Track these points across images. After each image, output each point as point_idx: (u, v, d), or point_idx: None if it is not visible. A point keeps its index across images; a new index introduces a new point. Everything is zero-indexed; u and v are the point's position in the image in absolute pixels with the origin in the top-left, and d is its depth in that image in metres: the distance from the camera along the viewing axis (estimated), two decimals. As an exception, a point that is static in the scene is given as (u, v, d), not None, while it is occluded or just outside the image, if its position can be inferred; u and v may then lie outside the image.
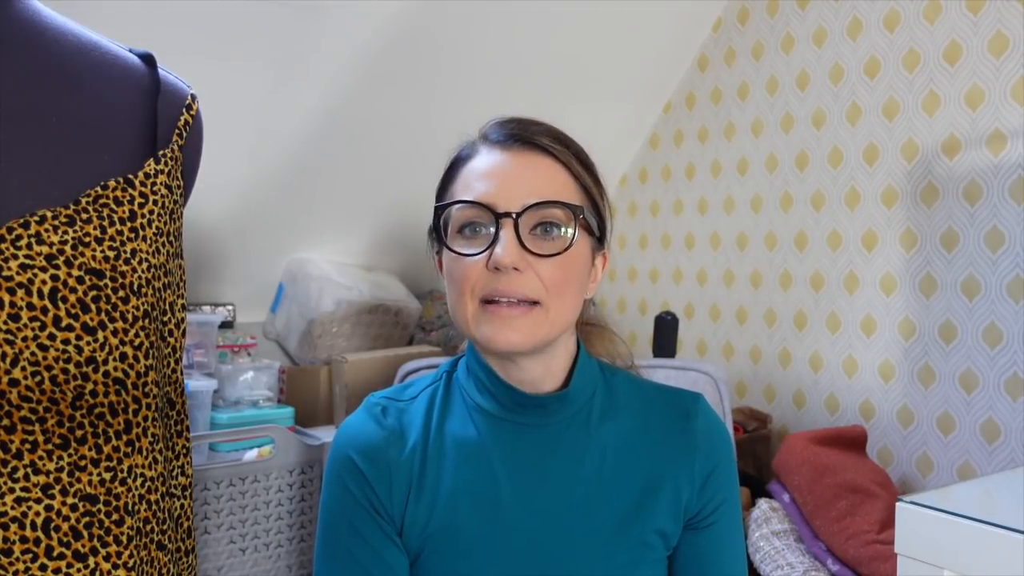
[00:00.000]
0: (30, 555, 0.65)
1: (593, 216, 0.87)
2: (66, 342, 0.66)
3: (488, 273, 0.81)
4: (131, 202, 0.72)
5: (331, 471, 0.89)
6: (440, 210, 0.86)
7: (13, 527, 0.65)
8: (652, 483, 0.88)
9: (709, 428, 0.92)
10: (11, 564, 0.64)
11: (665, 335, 1.90)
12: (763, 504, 1.65)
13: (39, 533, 0.66)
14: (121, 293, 0.69)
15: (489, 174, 0.84)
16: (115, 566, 0.69)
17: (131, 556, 0.71)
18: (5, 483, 0.64)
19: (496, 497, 0.85)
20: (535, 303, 0.81)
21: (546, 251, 0.82)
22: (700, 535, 0.91)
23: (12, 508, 0.65)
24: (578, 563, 0.85)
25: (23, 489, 0.65)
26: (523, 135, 0.86)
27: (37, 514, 0.66)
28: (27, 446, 0.65)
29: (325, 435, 1.84)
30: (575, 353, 0.90)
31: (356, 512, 0.86)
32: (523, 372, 0.86)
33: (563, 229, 0.83)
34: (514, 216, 0.81)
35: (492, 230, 0.82)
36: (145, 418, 0.72)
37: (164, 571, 0.76)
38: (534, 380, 0.87)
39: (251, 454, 1.61)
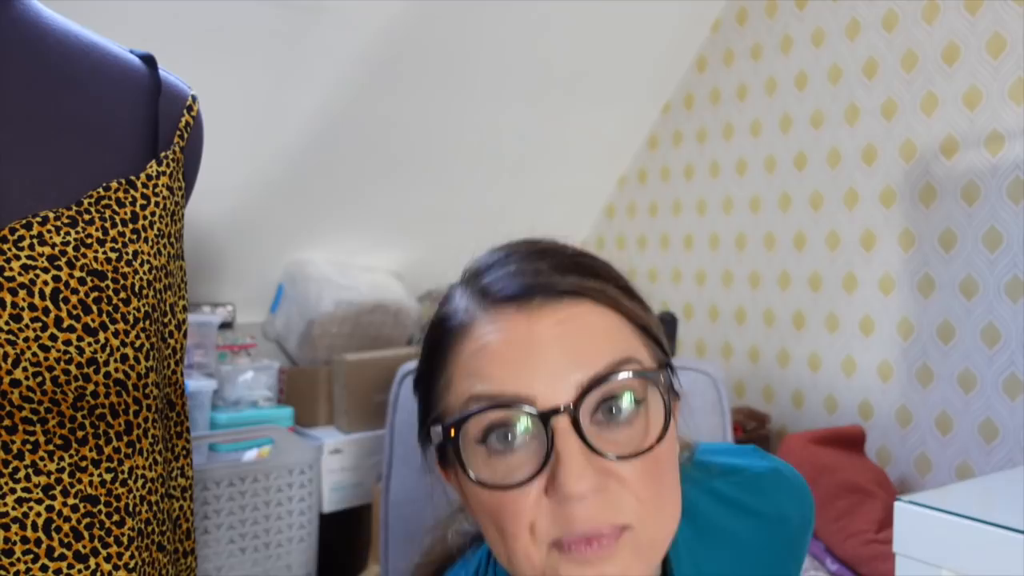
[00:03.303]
0: (31, 556, 0.65)
1: (662, 361, 0.62)
2: (67, 343, 0.66)
3: (548, 503, 0.54)
4: (133, 203, 0.72)
5: None
6: (449, 425, 0.57)
7: (14, 527, 0.65)
8: None
9: (803, 519, 0.72)
10: (12, 565, 0.64)
11: (664, 335, 1.91)
12: (762, 504, 1.65)
13: (40, 534, 0.66)
14: (122, 294, 0.70)
15: (507, 353, 0.56)
16: (116, 567, 0.69)
17: (132, 557, 0.71)
18: (6, 483, 0.64)
19: None
20: (628, 526, 0.55)
21: (628, 448, 0.55)
22: None
23: (13, 508, 0.65)
24: None
25: (24, 490, 0.65)
26: (539, 282, 0.58)
27: (38, 515, 0.66)
28: (28, 447, 0.65)
29: (325, 435, 1.84)
30: None
31: None
32: None
33: (638, 402, 0.57)
34: (569, 410, 0.54)
35: (537, 437, 0.55)
36: (146, 419, 0.72)
37: (164, 572, 0.76)
38: None
39: (251, 454, 1.61)
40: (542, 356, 0.55)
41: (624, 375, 0.55)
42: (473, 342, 0.58)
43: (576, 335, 0.56)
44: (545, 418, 0.54)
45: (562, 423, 0.54)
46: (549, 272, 0.59)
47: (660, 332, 0.64)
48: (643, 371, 0.57)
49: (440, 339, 0.61)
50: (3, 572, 0.64)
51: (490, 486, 0.55)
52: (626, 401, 0.56)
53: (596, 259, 0.64)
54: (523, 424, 0.55)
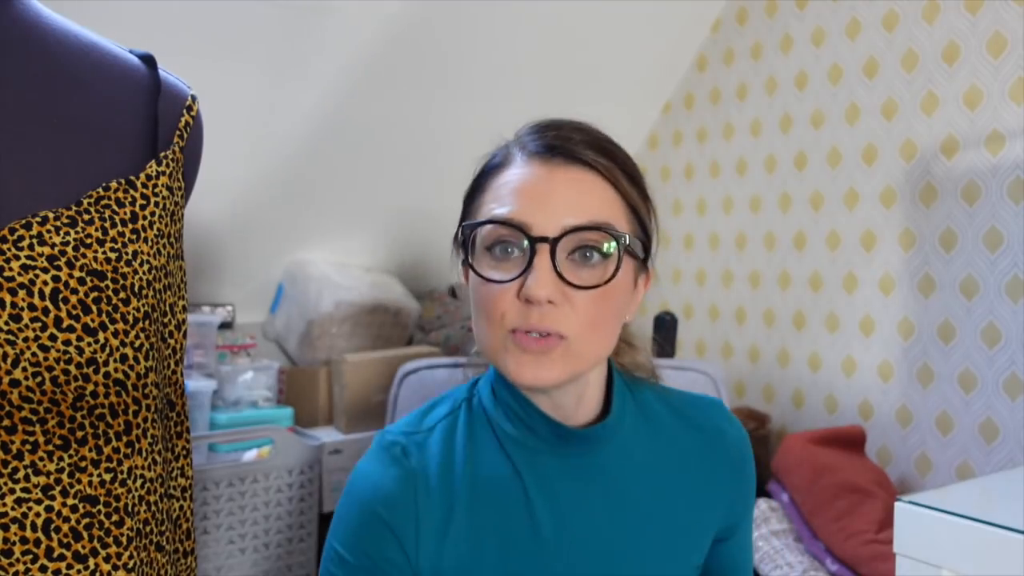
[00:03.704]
0: (30, 556, 0.65)
1: (639, 238, 0.79)
2: (67, 343, 0.66)
3: (519, 303, 0.73)
4: (132, 203, 0.72)
5: (344, 521, 0.80)
6: (469, 227, 0.77)
7: (13, 528, 0.65)
8: (695, 504, 0.84)
9: (739, 439, 0.89)
10: (11, 565, 0.64)
11: (664, 335, 1.91)
12: (762, 504, 1.65)
13: (39, 534, 0.66)
14: (122, 295, 0.70)
15: (524, 190, 0.75)
16: (115, 567, 0.69)
17: (131, 557, 0.71)
18: (6, 484, 0.64)
19: (536, 532, 0.78)
20: (562, 336, 0.74)
21: (585, 282, 0.73)
22: (725, 544, 0.89)
23: (12, 509, 0.65)
24: None
25: (23, 490, 0.65)
26: (564, 147, 0.76)
27: (37, 515, 0.66)
28: (27, 447, 0.65)
29: (324, 436, 1.84)
30: (608, 376, 0.84)
31: (381, 568, 0.77)
32: (554, 402, 0.79)
33: (604, 254, 0.75)
34: (551, 241, 0.72)
35: (525, 254, 0.73)
36: (145, 419, 0.72)
37: (162, 572, 0.76)
38: (566, 409, 0.80)
39: (250, 454, 1.61)
40: (546, 199, 0.74)
41: (598, 234, 0.74)
42: (504, 176, 0.77)
43: (576, 193, 0.75)
44: (532, 241, 0.73)
45: (543, 248, 0.72)
46: (575, 143, 0.77)
47: (648, 216, 0.82)
48: (611, 231, 0.74)
49: (483, 171, 0.81)
50: (3, 572, 0.64)
51: (482, 276, 0.75)
52: (594, 252, 0.74)
53: (618, 149, 0.81)
54: (518, 241, 0.74)
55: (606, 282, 0.74)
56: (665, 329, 1.91)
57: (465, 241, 0.78)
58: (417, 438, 0.82)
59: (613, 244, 0.74)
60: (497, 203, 0.75)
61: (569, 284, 0.72)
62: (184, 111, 0.80)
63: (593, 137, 0.79)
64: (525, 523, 0.78)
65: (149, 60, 0.81)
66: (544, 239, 0.72)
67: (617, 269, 0.74)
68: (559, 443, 0.80)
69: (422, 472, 0.79)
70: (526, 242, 0.73)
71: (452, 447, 0.81)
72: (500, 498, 0.79)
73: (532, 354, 0.73)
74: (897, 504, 1.08)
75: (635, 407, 0.85)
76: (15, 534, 0.65)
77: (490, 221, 0.74)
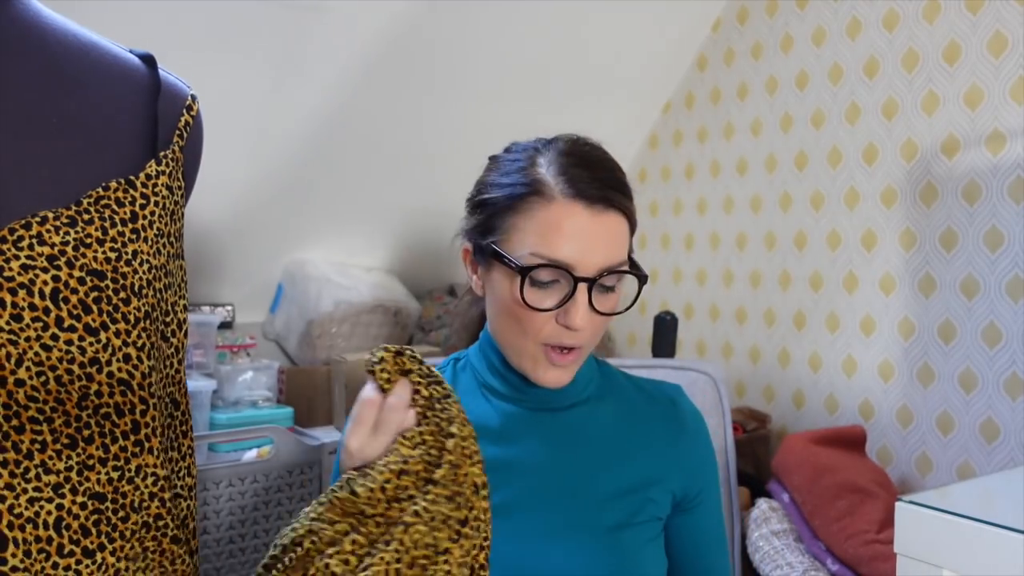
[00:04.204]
0: (44, 554, 0.66)
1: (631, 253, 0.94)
2: (69, 343, 0.66)
3: (555, 324, 0.87)
4: (132, 203, 0.72)
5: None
6: (524, 269, 0.86)
7: (29, 527, 0.65)
8: (647, 461, 0.96)
9: (693, 414, 1.01)
10: (32, 564, 0.65)
11: (664, 335, 1.91)
12: (762, 504, 1.65)
13: (51, 532, 0.66)
14: (122, 294, 0.70)
15: (573, 236, 0.85)
16: (118, 559, 0.70)
17: (132, 548, 0.71)
18: (19, 483, 0.65)
19: (509, 468, 0.92)
20: (579, 348, 0.90)
21: (608, 309, 0.89)
22: (688, 516, 0.98)
23: (27, 508, 0.65)
24: (581, 531, 0.91)
25: (35, 489, 0.66)
26: (608, 198, 0.87)
27: (49, 513, 0.66)
28: (36, 446, 0.66)
29: (324, 435, 1.84)
30: None
31: None
32: None
33: (616, 287, 0.91)
34: (589, 281, 0.86)
35: (566, 287, 0.86)
36: (153, 418, 0.72)
37: (180, 562, 0.76)
38: None
39: (250, 454, 1.61)
40: (589, 245, 0.86)
41: (620, 273, 0.89)
42: (549, 214, 0.86)
43: (609, 236, 0.87)
44: (576, 280, 0.86)
45: (582, 286, 0.86)
46: (611, 188, 0.88)
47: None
48: (637, 273, 0.91)
49: (516, 196, 0.88)
50: (24, 573, 0.65)
51: (530, 306, 0.86)
52: (616, 284, 0.90)
53: (626, 179, 0.92)
54: (563, 279, 0.86)
55: (625, 309, 0.91)
56: (665, 329, 1.91)
57: (495, 256, 0.89)
58: None
59: (623, 286, 0.91)
60: (544, 243, 0.86)
61: (598, 313, 0.88)
62: (184, 111, 0.80)
63: (618, 179, 0.90)
64: (499, 457, 0.91)
65: (149, 60, 0.81)
66: (585, 280, 0.86)
67: (635, 302, 0.92)
68: (529, 391, 0.94)
69: None
70: (571, 281, 0.86)
71: None
72: (479, 432, 0.90)
73: (560, 368, 0.90)
74: (898, 504, 1.08)
75: (599, 375, 1.00)
76: (30, 533, 0.65)
77: (544, 264, 0.86)
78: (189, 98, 0.81)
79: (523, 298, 0.86)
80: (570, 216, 0.86)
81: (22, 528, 0.65)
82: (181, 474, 0.79)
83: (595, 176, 0.88)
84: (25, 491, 0.65)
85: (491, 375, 0.97)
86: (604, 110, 2.25)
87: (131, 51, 0.81)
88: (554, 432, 0.95)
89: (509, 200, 0.89)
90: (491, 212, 0.90)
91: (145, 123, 0.77)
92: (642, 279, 0.91)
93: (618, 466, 0.95)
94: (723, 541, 1.02)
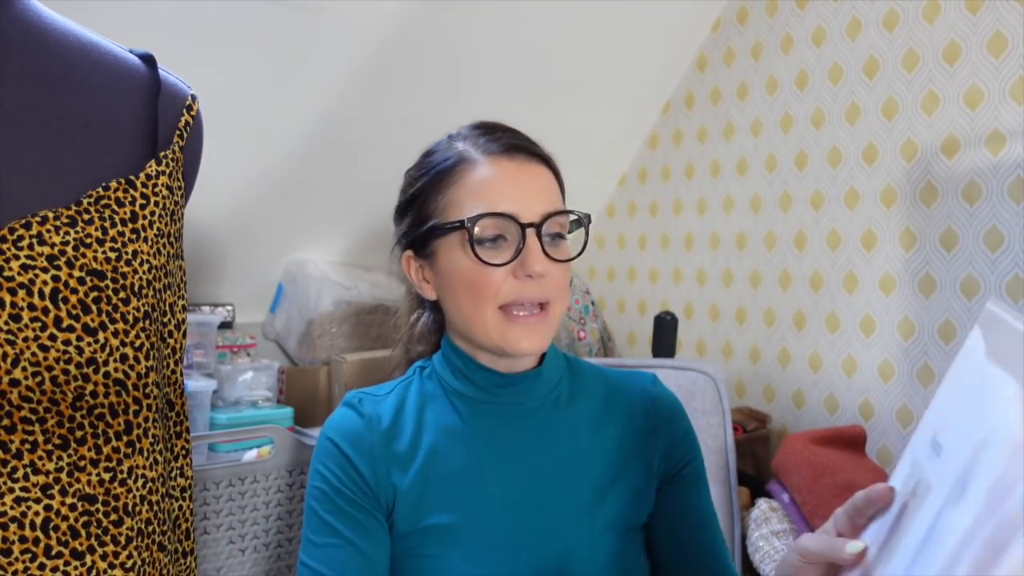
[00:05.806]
0: (29, 555, 0.65)
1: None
2: (67, 343, 0.66)
3: (512, 280, 0.87)
4: (132, 203, 0.72)
5: (316, 459, 0.92)
6: (461, 223, 0.88)
7: (12, 527, 0.65)
8: (623, 456, 0.95)
9: (668, 400, 1.01)
10: (10, 564, 0.64)
11: (664, 335, 1.91)
12: (762, 504, 1.65)
13: (38, 533, 0.66)
14: (122, 294, 0.69)
15: (505, 185, 0.88)
16: (111, 565, 0.69)
17: (129, 557, 0.71)
18: (5, 483, 0.65)
19: (481, 474, 0.90)
20: (543, 305, 0.89)
21: (560, 256, 0.89)
22: (675, 488, 0.98)
23: (12, 508, 0.65)
24: (560, 534, 0.90)
25: (23, 489, 0.65)
26: (525, 146, 0.91)
27: (36, 514, 0.66)
28: (27, 446, 0.66)
29: (325, 435, 1.84)
30: None
31: (341, 491, 0.89)
32: (519, 363, 0.94)
33: (566, 236, 0.91)
34: (536, 226, 0.87)
35: (515, 240, 0.87)
36: (146, 419, 0.72)
37: (164, 571, 0.76)
38: (519, 366, 0.94)
39: (250, 454, 1.61)
40: (523, 192, 0.88)
41: (565, 218, 0.91)
42: (478, 173, 0.89)
43: (541, 184, 0.90)
44: (523, 228, 0.86)
45: (531, 232, 0.87)
46: (528, 141, 0.93)
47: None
48: (579, 213, 0.92)
49: (443, 172, 0.91)
50: (2, 572, 0.64)
51: (485, 262, 0.86)
52: (563, 231, 0.90)
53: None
54: (510, 234, 0.87)
55: (578, 255, 0.91)
56: (665, 329, 1.91)
57: (439, 232, 0.90)
58: (373, 397, 0.96)
59: (575, 224, 0.92)
60: (482, 202, 0.87)
61: (553, 260, 0.88)
62: (184, 111, 0.80)
63: (529, 137, 0.94)
64: (472, 464, 0.91)
65: (149, 60, 0.81)
66: (532, 225, 0.86)
67: (585, 244, 0.93)
68: (495, 392, 0.93)
69: (375, 417, 0.92)
70: (515, 228, 0.86)
71: (404, 401, 0.95)
72: (450, 443, 0.92)
73: (527, 327, 0.88)
74: (898, 504, 1.08)
75: (569, 373, 0.99)
76: (14, 533, 0.65)
77: (491, 214, 0.86)
78: (189, 98, 0.81)
79: (476, 254, 0.86)
80: (499, 170, 0.88)
81: (4, 527, 0.64)
82: (174, 475, 0.79)
83: (509, 132, 0.93)
84: (12, 491, 0.65)
85: (456, 379, 0.95)
86: (604, 110, 2.25)
87: (131, 51, 0.81)
88: (525, 434, 0.93)
89: (437, 178, 0.91)
90: (422, 201, 0.94)
91: (145, 123, 0.77)
92: (586, 219, 0.92)
93: (592, 467, 0.94)
94: (716, 518, 1.01)
